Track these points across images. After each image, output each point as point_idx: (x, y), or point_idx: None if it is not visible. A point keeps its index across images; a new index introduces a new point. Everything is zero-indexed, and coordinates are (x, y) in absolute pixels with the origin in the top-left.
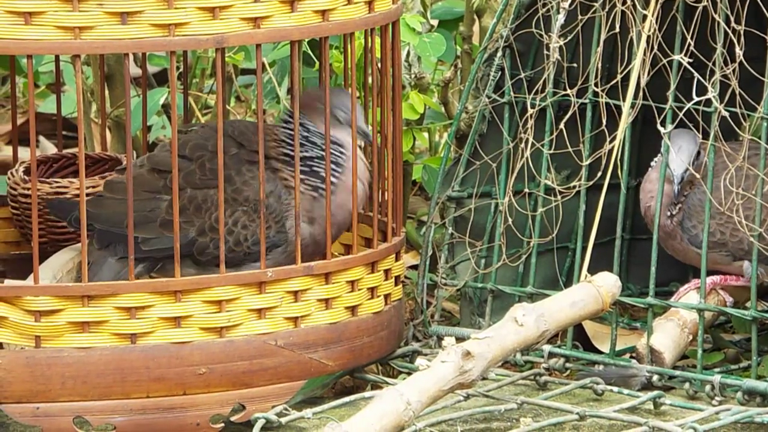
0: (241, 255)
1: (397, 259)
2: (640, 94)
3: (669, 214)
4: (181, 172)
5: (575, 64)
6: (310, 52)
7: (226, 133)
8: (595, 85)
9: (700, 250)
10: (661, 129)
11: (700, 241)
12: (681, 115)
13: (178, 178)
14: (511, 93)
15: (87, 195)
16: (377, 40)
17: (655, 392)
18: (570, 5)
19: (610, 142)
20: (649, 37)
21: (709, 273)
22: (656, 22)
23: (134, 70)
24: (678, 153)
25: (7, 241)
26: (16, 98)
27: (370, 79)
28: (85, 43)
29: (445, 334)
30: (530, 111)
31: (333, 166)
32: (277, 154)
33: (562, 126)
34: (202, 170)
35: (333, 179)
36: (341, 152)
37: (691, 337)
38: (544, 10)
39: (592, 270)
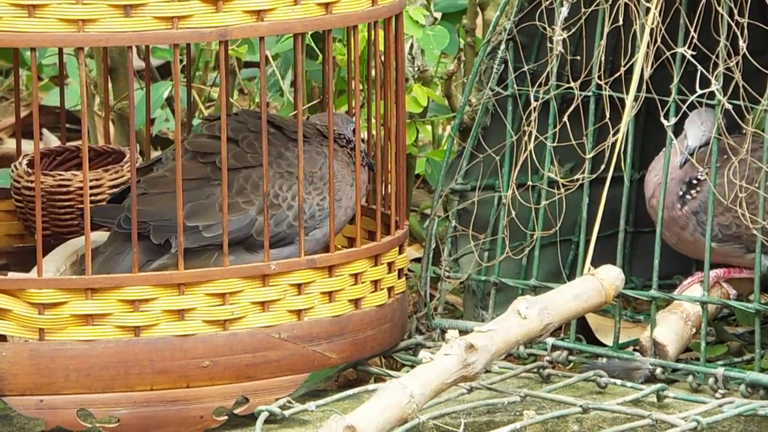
0: (297, 229)
1: (400, 252)
2: (644, 86)
3: (681, 193)
4: (229, 153)
5: (578, 57)
6: (313, 44)
7: (259, 117)
8: (599, 77)
9: (713, 244)
10: (665, 122)
11: (715, 235)
12: (684, 108)
13: (228, 159)
14: (515, 86)
15: (90, 188)
16: (380, 32)
17: (659, 385)
18: None
19: (614, 135)
20: (652, 29)
21: (713, 266)
22: (659, 15)
23: (138, 63)
24: (700, 127)
25: (10, 233)
26: (19, 91)
27: (373, 72)
28: (89, 36)
29: (448, 327)
30: (533, 104)
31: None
32: (322, 139)
33: (565, 119)
34: (252, 149)
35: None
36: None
37: (694, 330)
38: (548, 2)
39: (596, 263)
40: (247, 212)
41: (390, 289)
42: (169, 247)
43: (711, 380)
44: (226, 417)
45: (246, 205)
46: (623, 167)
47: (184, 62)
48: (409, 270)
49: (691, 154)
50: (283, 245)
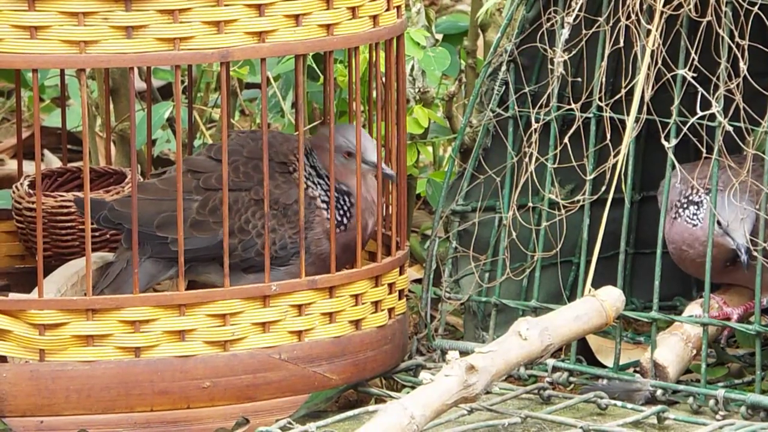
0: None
1: (401, 273)
2: (644, 108)
3: (728, 264)
4: (215, 174)
5: (579, 79)
6: (314, 66)
7: (255, 142)
8: (599, 99)
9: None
10: (665, 143)
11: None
12: (685, 129)
13: (211, 179)
14: (515, 107)
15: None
16: (382, 54)
17: (659, 406)
18: (574, 20)
19: (614, 156)
20: (653, 51)
21: (714, 288)
22: (660, 37)
23: (139, 84)
24: (741, 223)
25: (11, 254)
26: (21, 112)
27: (374, 94)
28: (91, 57)
29: (448, 348)
30: (534, 125)
31: (340, 213)
32: (310, 171)
33: (566, 140)
34: (235, 173)
35: (344, 221)
36: (348, 201)
37: (695, 352)
38: (549, 24)
39: (596, 284)
40: (217, 233)
41: (390, 310)
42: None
43: (711, 402)
44: None
45: (216, 226)
46: (624, 189)
47: (186, 83)
48: (409, 291)
49: (748, 250)
50: (255, 271)
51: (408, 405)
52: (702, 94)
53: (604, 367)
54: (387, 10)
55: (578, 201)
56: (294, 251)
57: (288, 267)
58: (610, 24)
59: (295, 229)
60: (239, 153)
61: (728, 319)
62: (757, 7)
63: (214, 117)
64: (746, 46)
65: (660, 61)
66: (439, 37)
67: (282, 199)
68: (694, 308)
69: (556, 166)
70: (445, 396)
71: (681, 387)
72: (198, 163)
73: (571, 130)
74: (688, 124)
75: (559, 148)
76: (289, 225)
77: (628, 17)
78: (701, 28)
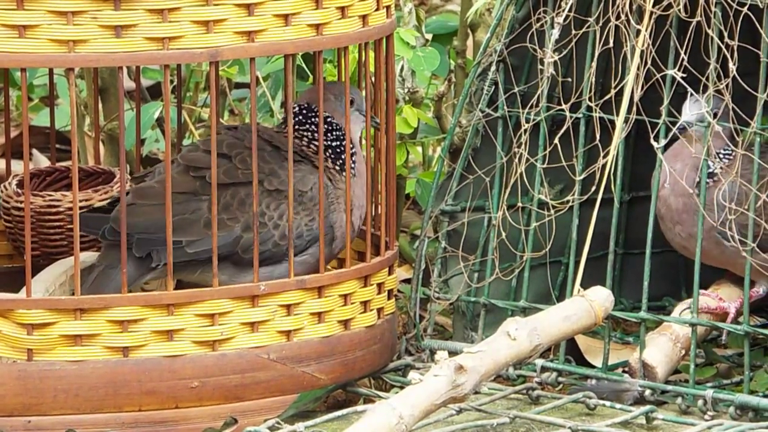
0: (284, 249)
1: (390, 272)
2: (634, 108)
3: (697, 179)
4: (220, 168)
5: (569, 79)
6: (304, 65)
7: (259, 135)
8: (589, 99)
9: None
10: (655, 144)
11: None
12: (675, 130)
13: (219, 175)
14: (505, 107)
15: (80, 209)
16: (371, 54)
17: (648, 407)
18: (564, 20)
19: (604, 156)
20: (642, 51)
21: (707, 286)
22: (650, 37)
23: (128, 84)
24: (694, 103)
25: None
26: (9, 111)
27: (363, 93)
28: (79, 57)
29: (437, 348)
30: (524, 125)
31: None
32: (311, 151)
33: (555, 140)
34: (244, 165)
35: (355, 166)
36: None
37: (683, 352)
38: (538, 24)
39: (585, 284)
40: (232, 229)
41: (379, 310)
42: (160, 260)
43: (700, 402)
44: None
45: (231, 222)
46: (613, 189)
47: (175, 83)
48: (398, 291)
49: (683, 129)
50: (271, 264)
51: (396, 405)
52: (691, 95)
53: (592, 367)
54: (376, 9)
55: (567, 201)
56: (309, 239)
57: (303, 257)
58: (600, 24)
59: (310, 216)
60: (241, 146)
61: (726, 314)
62: (746, 7)
63: (204, 116)
64: (735, 47)
65: (649, 62)
66: (429, 37)
67: (298, 186)
68: (683, 308)
69: (545, 166)
70: (434, 396)
71: (670, 387)
72: (197, 159)
73: (561, 131)
74: (678, 125)
75: (548, 149)
76: (305, 212)
77: (618, 17)
78: (691, 29)
